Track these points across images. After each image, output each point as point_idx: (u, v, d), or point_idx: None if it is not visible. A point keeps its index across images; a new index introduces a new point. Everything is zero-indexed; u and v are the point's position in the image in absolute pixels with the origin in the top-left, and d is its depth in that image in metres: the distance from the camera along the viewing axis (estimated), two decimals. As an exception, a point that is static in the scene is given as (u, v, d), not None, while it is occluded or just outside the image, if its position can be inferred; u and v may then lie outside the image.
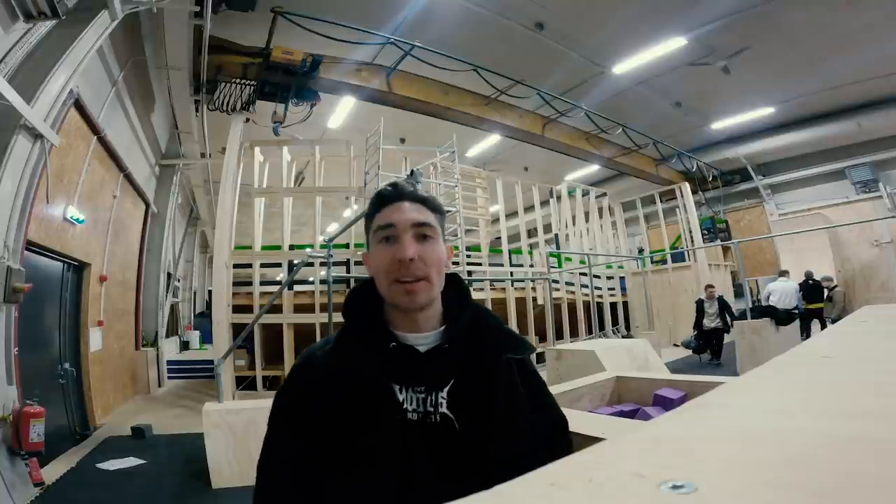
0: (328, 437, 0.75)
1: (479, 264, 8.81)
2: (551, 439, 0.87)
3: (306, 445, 0.76)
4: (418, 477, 0.72)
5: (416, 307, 0.80)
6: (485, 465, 0.71)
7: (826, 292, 8.95)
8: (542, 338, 8.80)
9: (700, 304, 8.23)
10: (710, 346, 8.15)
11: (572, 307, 9.96)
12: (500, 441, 0.74)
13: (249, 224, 7.96)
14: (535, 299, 9.11)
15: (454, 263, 0.94)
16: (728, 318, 7.86)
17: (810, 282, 8.30)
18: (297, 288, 7.54)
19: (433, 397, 0.77)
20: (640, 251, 12.65)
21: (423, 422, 0.76)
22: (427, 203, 0.85)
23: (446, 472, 0.72)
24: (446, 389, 0.78)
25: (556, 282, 9.60)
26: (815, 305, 8.36)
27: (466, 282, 0.87)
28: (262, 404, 4.01)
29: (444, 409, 0.77)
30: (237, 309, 7.04)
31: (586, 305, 9.63)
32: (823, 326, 8.26)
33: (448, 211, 5.88)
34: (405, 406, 0.76)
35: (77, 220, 5.13)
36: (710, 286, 8.30)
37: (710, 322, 8.05)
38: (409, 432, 0.74)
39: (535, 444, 0.80)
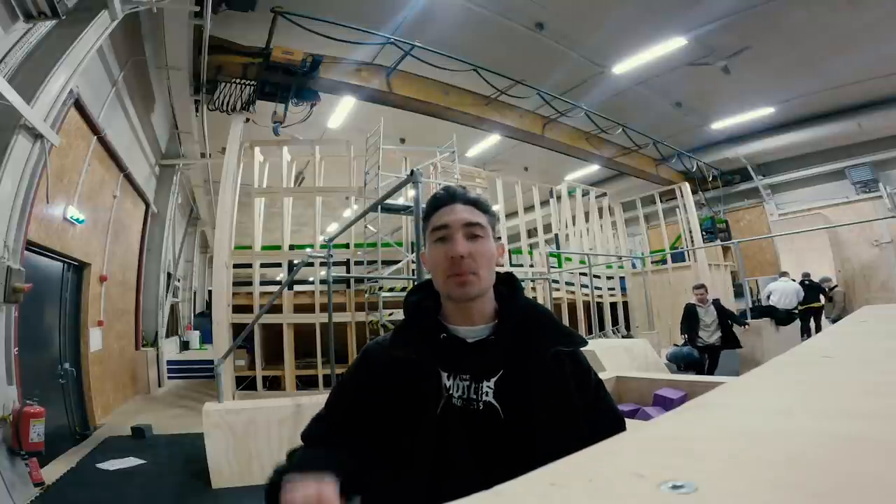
0: (377, 414, 0.83)
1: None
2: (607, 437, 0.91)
3: (356, 420, 0.85)
4: (454, 459, 0.77)
5: (467, 297, 0.86)
6: (527, 456, 0.72)
7: (826, 292, 8.94)
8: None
9: (692, 312, 6.14)
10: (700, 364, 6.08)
11: (572, 307, 9.96)
12: (545, 434, 0.78)
13: (249, 224, 7.96)
14: (534, 299, 9.10)
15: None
16: (732, 328, 6.03)
17: (806, 282, 8.27)
18: (297, 288, 7.54)
19: (477, 386, 0.82)
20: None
21: (466, 408, 0.81)
22: (478, 205, 0.92)
23: (483, 459, 0.76)
24: (493, 380, 0.82)
25: (556, 282, 9.60)
26: (811, 305, 8.30)
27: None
28: (262, 404, 4.02)
29: (489, 398, 0.81)
30: (237, 309, 7.04)
31: (586, 305, 9.63)
32: (818, 325, 8.24)
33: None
34: (451, 392, 0.82)
35: (77, 220, 5.13)
36: (699, 287, 6.33)
37: (707, 335, 6.00)
38: (450, 415, 0.80)
39: (585, 441, 0.81)
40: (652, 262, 11.93)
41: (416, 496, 0.76)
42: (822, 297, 8.67)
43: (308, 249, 7.48)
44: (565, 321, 9.37)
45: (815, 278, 8.86)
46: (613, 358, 4.01)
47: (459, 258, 0.84)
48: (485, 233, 0.89)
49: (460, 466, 0.76)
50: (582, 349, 0.92)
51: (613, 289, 11.39)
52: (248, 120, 6.96)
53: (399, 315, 6.72)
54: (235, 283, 7.26)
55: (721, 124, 11.05)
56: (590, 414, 0.85)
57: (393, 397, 0.83)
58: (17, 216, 3.65)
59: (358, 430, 0.85)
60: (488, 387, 0.82)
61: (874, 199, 10.85)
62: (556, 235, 10.62)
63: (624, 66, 8.28)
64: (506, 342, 0.85)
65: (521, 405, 0.80)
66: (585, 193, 11.68)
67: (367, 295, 7.11)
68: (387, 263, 7.29)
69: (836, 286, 9.44)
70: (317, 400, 3.97)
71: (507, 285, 0.93)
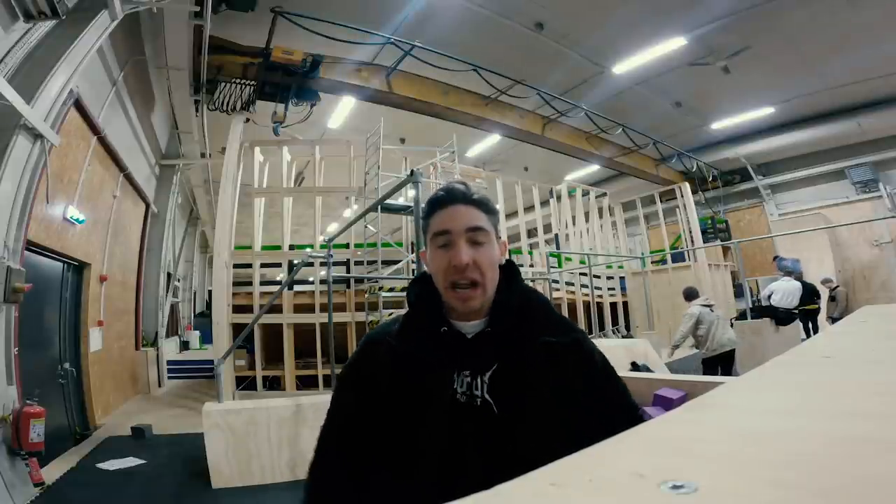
0: (385, 409, 0.82)
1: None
2: (614, 430, 0.85)
3: (363, 417, 0.84)
4: (463, 457, 0.77)
5: (469, 311, 0.85)
6: (519, 451, 0.74)
7: (828, 293, 8.89)
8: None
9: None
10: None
11: (572, 307, 9.96)
12: (533, 428, 0.77)
13: (249, 224, 7.96)
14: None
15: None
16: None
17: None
18: (297, 288, 7.54)
19: (478, 381, 0.81)
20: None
21: (470, 404, 0.80)
22: (480, 205, 0.87)
23: (487, 456, 0.76)
24: (488, 374, 0.81)
25: (556, 282, 9.60)
26: (805, 308, 8.15)
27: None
28: (262, 404, 4.02)
29: (484, 393, 0.81)
30: (237, 309, 7.05)
31: (586, 305, 9.63)
32: (815, 327, 8.18)
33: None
34: (456, 388, 0.82)
35: (77, 220, 5.12)
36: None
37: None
38: (456, 413, 0.80)
39: (588, 433, 0.79)
40: (652, 263, 11.94)
41: (426, 495, 0.74)
42: (816, 301, 8.57)
43: (308, 249, 7.48)
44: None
45: (814, 280, 8.78)
46: (613, 358, 4.01)
47: (463, 266, 0.82)
48: (488, 237, 0.86)
49: (470, 465, 0.76)
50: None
51: (613, 289, 11.40)
52: (248, 120, 6.97)
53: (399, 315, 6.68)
54: (235, 283, 7.26)
55: (721, 124, 11.05)
56: (598, 405, 0.82)
57: (400, 392, 0.82)
58: (17, 216, 3.65)
59: (365, 435, 0.83)
60: (483, 381, 0.81)
61: (874, 199, 10.86)
62: (556, 235, 10.63)
63: (624, 66, 8.28)
64: (499, 335, 0.84)
65: (513, 399, 0.79)
66: (585, 193, 11.69)
67: (367, 295, 7.11)
68: (387, 263, 7.30)
69: (837, 286, 9.38)
70: (316, 400, 3.97)
71: (505, 274, 0.90)
